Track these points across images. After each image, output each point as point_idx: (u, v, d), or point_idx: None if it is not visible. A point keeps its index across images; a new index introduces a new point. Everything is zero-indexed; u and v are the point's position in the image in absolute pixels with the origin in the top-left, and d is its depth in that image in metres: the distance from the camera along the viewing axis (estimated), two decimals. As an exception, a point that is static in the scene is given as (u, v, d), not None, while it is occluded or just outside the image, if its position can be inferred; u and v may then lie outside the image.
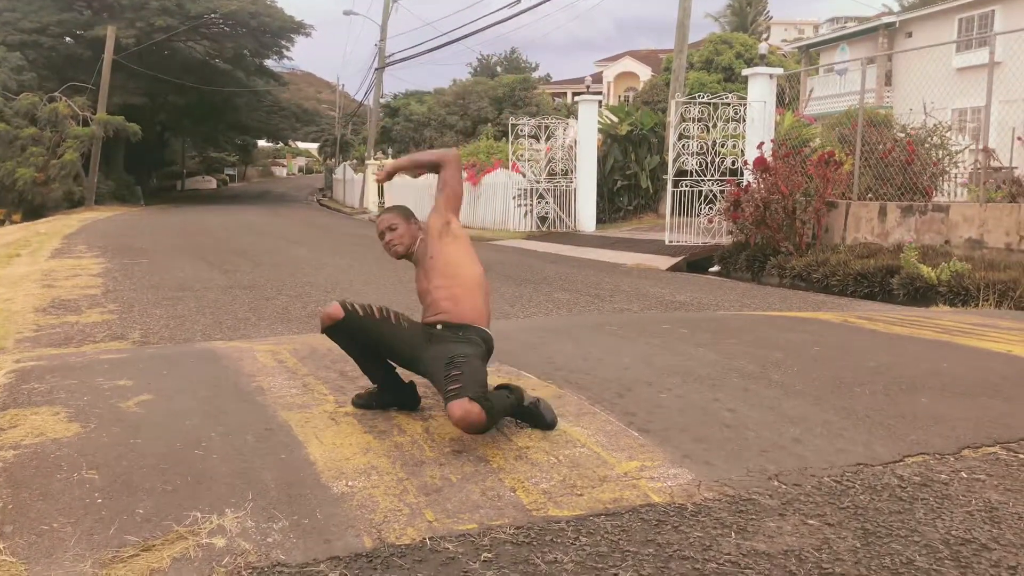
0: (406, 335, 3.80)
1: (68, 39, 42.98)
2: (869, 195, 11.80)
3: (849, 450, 3.51)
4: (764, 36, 56.12)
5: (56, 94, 35.85)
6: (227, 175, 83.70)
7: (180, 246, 15.45)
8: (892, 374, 4.68)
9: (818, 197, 11.51)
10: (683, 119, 13.62)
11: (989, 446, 3.60)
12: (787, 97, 14.76)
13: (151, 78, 41.05)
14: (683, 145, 13.62)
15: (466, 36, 30.01)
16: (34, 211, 34.50)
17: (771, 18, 61.63)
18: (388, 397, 3.93)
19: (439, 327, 3.77)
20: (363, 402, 3.95)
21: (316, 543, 2.69)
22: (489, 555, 2.63)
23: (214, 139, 65.52)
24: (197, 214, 31.98)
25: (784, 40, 58.31)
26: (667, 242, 13.89)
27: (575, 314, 7.73)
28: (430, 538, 2.73)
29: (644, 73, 60.04)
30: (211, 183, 75.70)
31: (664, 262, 13.01)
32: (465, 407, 3.30)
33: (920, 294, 9.30)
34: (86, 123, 35.70)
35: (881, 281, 9.77)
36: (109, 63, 36.88)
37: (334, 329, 3.79)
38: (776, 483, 3.17)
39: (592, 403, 4.01)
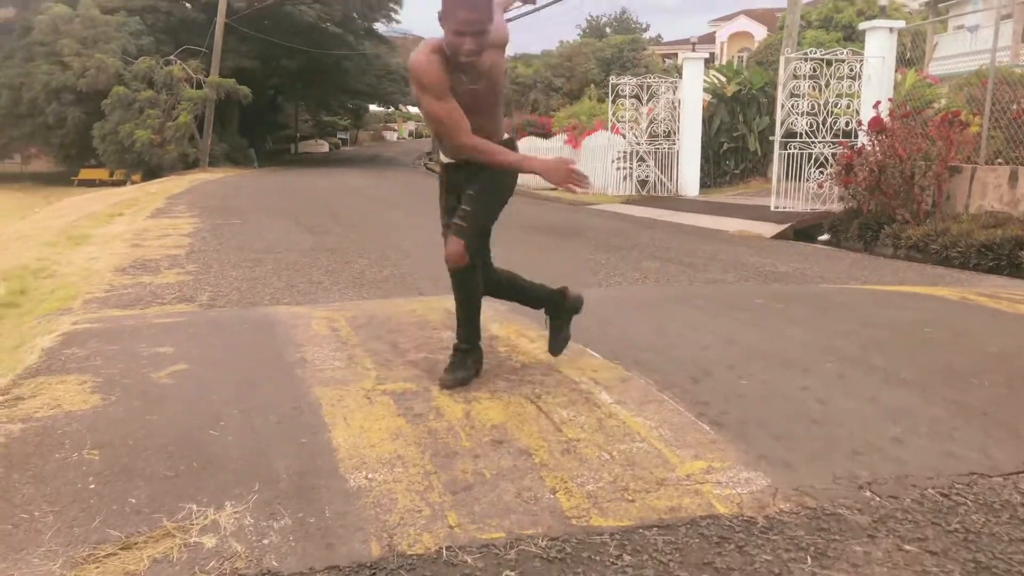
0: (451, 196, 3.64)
1: (186, 3, 43.93)
2: (998, 159, 10.78)
3: (961, 455, 2.97)
4: (889, -8, 53.16)
5: (171, 57, 36.73)
6: (339, 139, 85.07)
7: (277, 208, 15.47)
8: (1018, 362, 4.05)
9: (939, 161, 10.56)
10: (793, 76, 12.75)
11: None
12: (908, 55, 13.70)
13: (263, 41, 41.62)
14: (792, 104, 12.76)
15: (572, -6, 29.18)
16: (152, 172, 35.56)
17: (898, -27, 58.11)
18: (478, 352, 3.75)
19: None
20: (462, 377, 3.62)
21: (317, 548, 2.35)
22: (512, 573, 2.24)
23: (326, 103, 66.34)
24: (304, 176, 32.35)
25: (912, -5, 55.06)
26: (773, 208, 13.10)
27: (661, 285, 7.20)
28: (447, 548, 2.35)
29: (759, 32, 57.73)
30: (323, 147, 77.02)
31: (769, 229, 12.25)
32: (454, 248, 3.46)
33: (1054, 269, 8.39)
34: (199, 86, 36.51)
35: (1009, 254, 8.85)
36: (221, 26, 37.52)
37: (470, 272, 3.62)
38: (868, 494, 2.68)
39: (661, 389, 3.55)
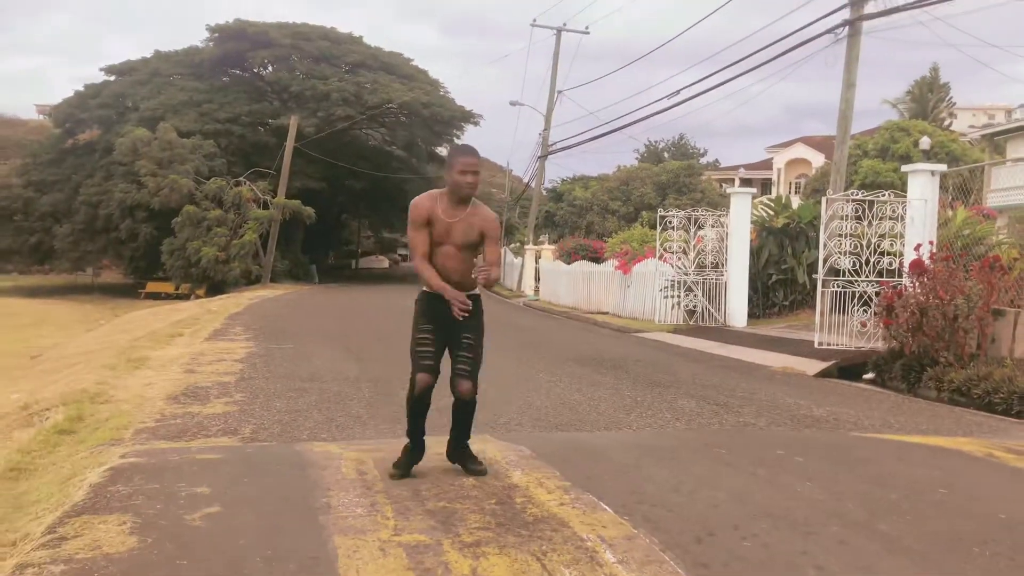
0: (442, 327, 4.77)
1: (259, 128, 46.16)
2: (1042, 303, 10.78)
3: (949, 631, 3.05)
4: (946, 123, 53.67)
5: (241, 179, 38.49)
6: (400, 255, 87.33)
7: (329, 331, 15.95)
8: (1024, 531, 4.10)
9: (982, 304, 10.61)
10: (835, 216, 13.00)
11: None
12: (951, 190, 13.87)
13: (329, 164, 43.45)
14: (835, 243, 12.97)
15: (628, 125, 30.25)
16: (216, 287, 36.86)
17: (954, 104, 58.64)
18: (417, 454, 4.90)
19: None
20: (401, 472, 4.79)
21: None
22: None
23: (389, 221, 68.29)
24: (361, 294, 33.16)
25: (971, 126, 55.39)
26: (816, 344, 13.15)
27: (692, 428, 7.32)
28: None
29: (816, 159, 58.49)
30: (384, 262, 79.13)
31: (813, 366, 12.28)
32: (469, 387, 4.77)
33: (1097, 419, 8.31)
34: (266, 206, 38.07)
35: (1051, 402, 8.80)
36: (290, 150, 39.34)
37: (428, 393, 4.79)
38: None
39: (664, 549, 3.69)
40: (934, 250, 11.44)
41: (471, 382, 4.77)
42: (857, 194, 13.32)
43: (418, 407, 4.84)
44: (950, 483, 4.98)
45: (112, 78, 46.54)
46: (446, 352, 4.84)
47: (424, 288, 4.84)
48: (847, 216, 13.01)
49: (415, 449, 4.90)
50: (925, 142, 21.31)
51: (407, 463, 4.85)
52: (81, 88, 45.70)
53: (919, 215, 12.47)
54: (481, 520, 4.02)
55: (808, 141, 64.05)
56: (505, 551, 3.62)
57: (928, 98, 54.91)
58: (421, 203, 4.86)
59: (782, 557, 3.67)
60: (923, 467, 5.42)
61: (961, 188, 14.61)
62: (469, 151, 4.87)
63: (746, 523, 4.09)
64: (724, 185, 55.78)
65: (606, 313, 22.69)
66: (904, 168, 13.74)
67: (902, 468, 5.36)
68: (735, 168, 66.39)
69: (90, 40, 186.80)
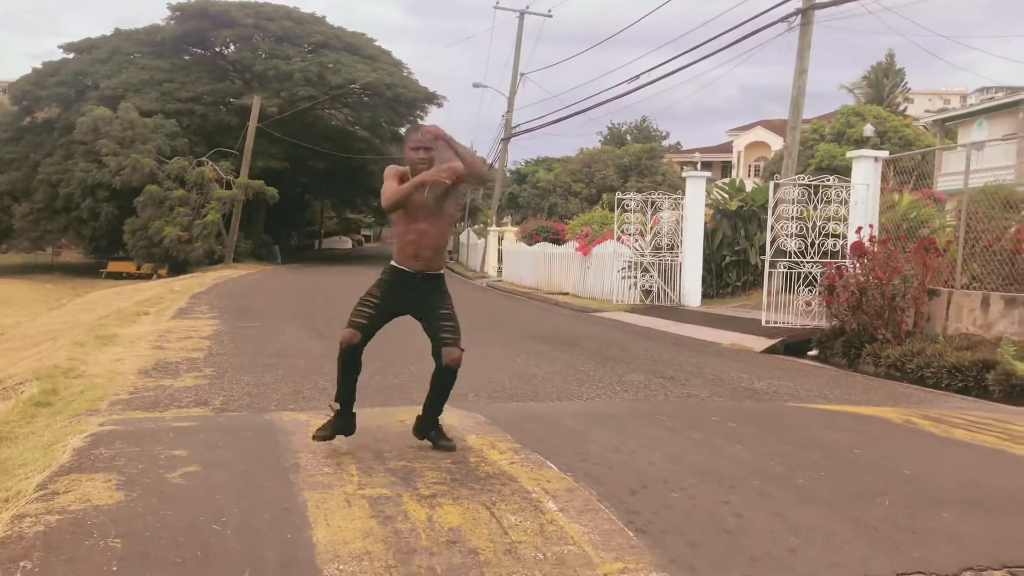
0: (396, 303, 4.97)
1: (222, 107, 45.93)
2: (974, 284, 11.40)
3: (843, 564, 3.51)
4: (902, 108, 54.80)
5: (204, 159, 38.41)
6: (363, 235, 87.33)
7: (293, 310, 16.25)
8: (923, 484, 4.59)
9: (917, 284, 11.20)
10: (783, 200, 13.54)
11: (995, 569, 3.52)
12: (898, 174, 14.46)
13: (292, 144, 43.43)
14: (782, 226, 13.52)
15: (590, 108, 30.73)
16: (178, 267, 36.85)
17: (909, 89, 59.75)
18: (345, 421, 4.95)
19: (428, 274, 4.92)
20: (326, 434, 4.89)
21: (291, 624, 2.92)
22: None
23: (352, 201, 68.25)
24: (323, 275, 33.34)
25: (927, 111, 56.64)
26: (764, 323, 13.72)
27: (639, 399, 7.80)
28: (395, 627, 2.91)
29: (775, 143, 59.33)
30: (347, 243, 79.14)
31: (760, 343, 12.84)
32: (459, 354, 4.83)
33: (1017, 392, 8.89)
34: (228, 186, 38.06)
35: (976, 376, 9.38)
36: (253, 130, 39.29)
37: (354, 350, 4.94)
38: (752, 595, 3.22)
39: (600, 499, 4.12)
40: (875, 233, 12.01)
41: (458, 348, 4.82)
42: (804, 179, 13.87)
43: (346, 365, 4.94)
44: (867, 445, 5.48)
45: (71, 56, 46.06)
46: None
47: (393, 262, 4.89)
48: (794, 200, 13.56)
49: (344, 418, 4.93)
50: (868, 129, 21.96)
51: (333, 428, 4.88)
52: (39, 65, 45.23)
53: (862, 199, 13.04)
54: (438, 476, 4.43)
55: (767, 124, 64.98)
56: (458, 502, 4.03)
57: (884, 83, 55.96)
58: (394, 167, 4.91)
59: (706, 506, 4.12)
60: (846, 432, 5.92)
61: (909, 172, 15.22)
62: (419, 128, 4.93)
63: (676, 478, 4.54)
64: (685, 168, 56.53)
65: (566, 293, 23.20)
66: (849, 154, 14.31)
67: (826, 433, 5.86)
68: (696, 151, 67.26)
69: (46, 15, 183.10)
